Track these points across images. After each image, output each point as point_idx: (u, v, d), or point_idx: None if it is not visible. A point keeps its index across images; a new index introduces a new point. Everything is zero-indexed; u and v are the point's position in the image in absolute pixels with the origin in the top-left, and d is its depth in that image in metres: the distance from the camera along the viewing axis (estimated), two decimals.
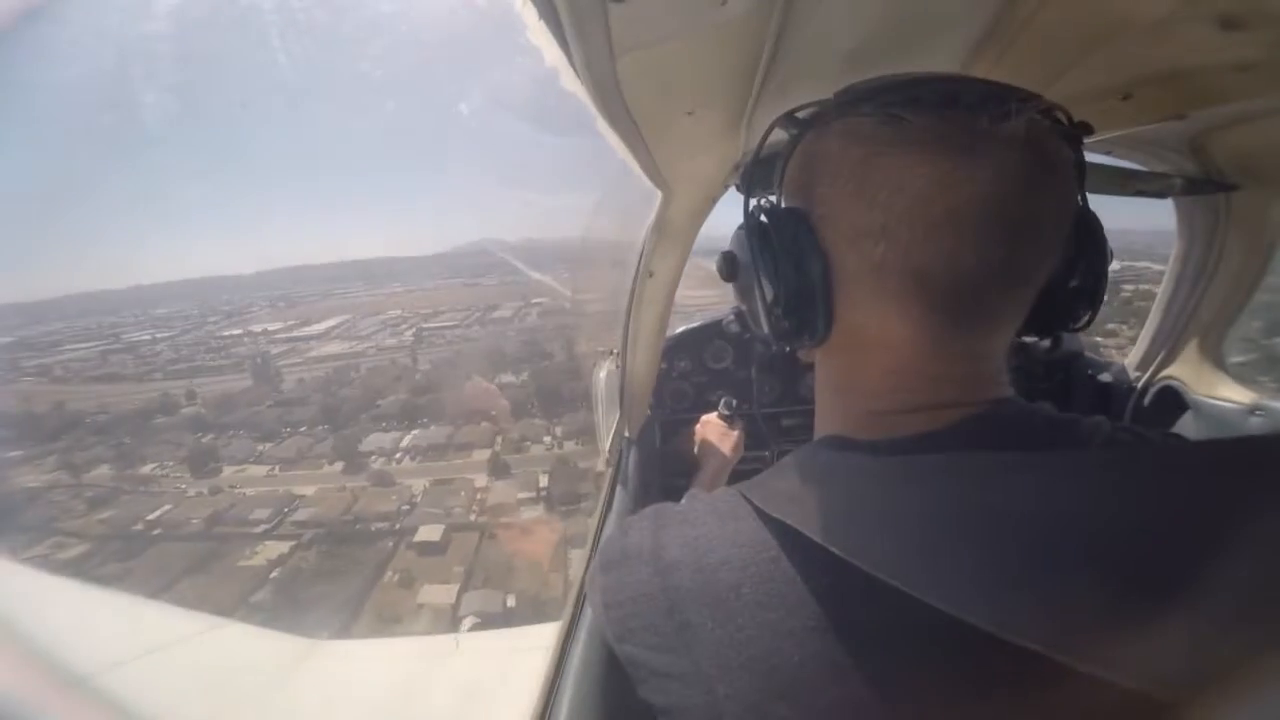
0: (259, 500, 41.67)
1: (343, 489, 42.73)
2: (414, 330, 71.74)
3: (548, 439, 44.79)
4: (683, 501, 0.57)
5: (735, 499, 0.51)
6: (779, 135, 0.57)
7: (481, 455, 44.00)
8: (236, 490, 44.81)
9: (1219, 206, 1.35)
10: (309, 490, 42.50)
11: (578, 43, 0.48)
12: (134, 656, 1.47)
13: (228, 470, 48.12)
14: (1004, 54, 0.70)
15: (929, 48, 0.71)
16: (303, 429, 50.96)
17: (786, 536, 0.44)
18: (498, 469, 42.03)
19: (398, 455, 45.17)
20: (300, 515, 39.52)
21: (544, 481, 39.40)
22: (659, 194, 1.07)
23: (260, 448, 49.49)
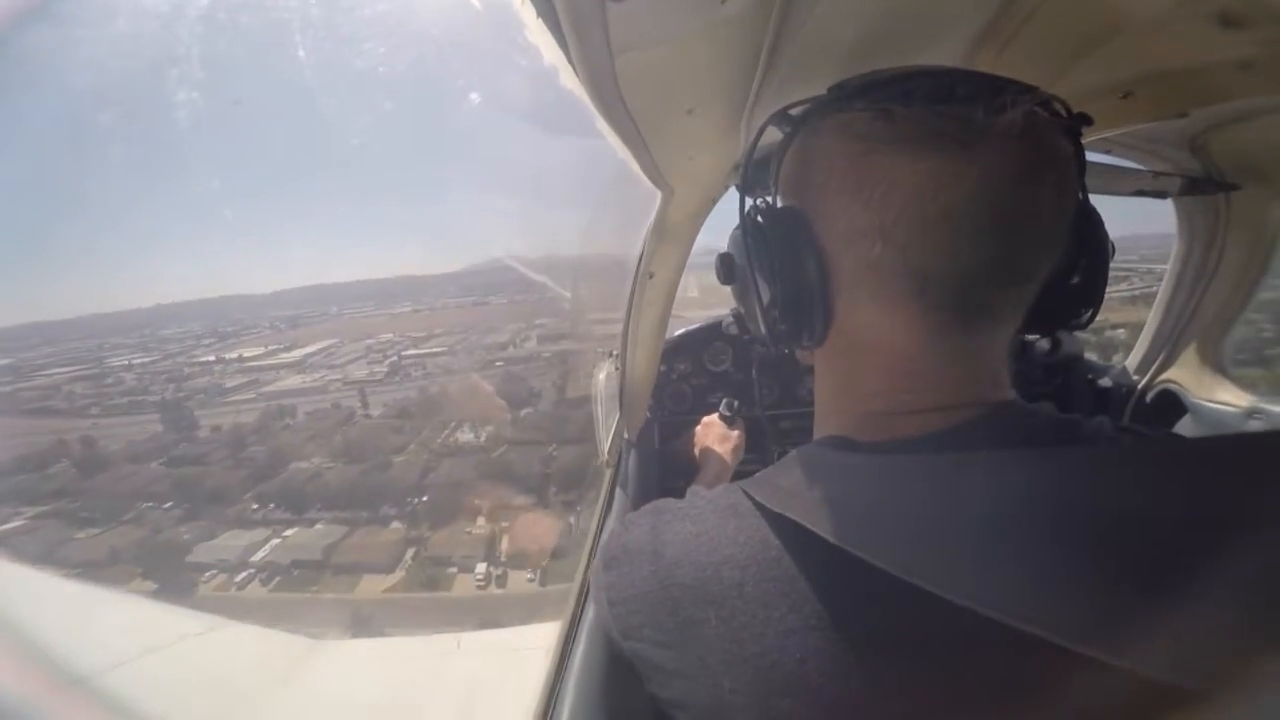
0: None
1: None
2: (393, 360, 63.20)
3: (483, 566, 25.35)
4: (684, 498, 0.57)
5: (737, 495, 0.50)
6: (774, 134, 0.56)
7: (372, 585, 26.19)
8: None
9: (1219, 206, 1.35)
10: None
11: (576, 42, 0.48)
12: (134, 656, 1.47)
13: None
14: (1003, 51, 0.70)
15: (929, 45, 0.71)
16: (167, 505, 37.61)
17: (789, 533, 0.44)
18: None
19: (241, 576, 28.79)
20: None
21: None
22: (659, 194, 1.07)
23: (78, 536, 35.63)
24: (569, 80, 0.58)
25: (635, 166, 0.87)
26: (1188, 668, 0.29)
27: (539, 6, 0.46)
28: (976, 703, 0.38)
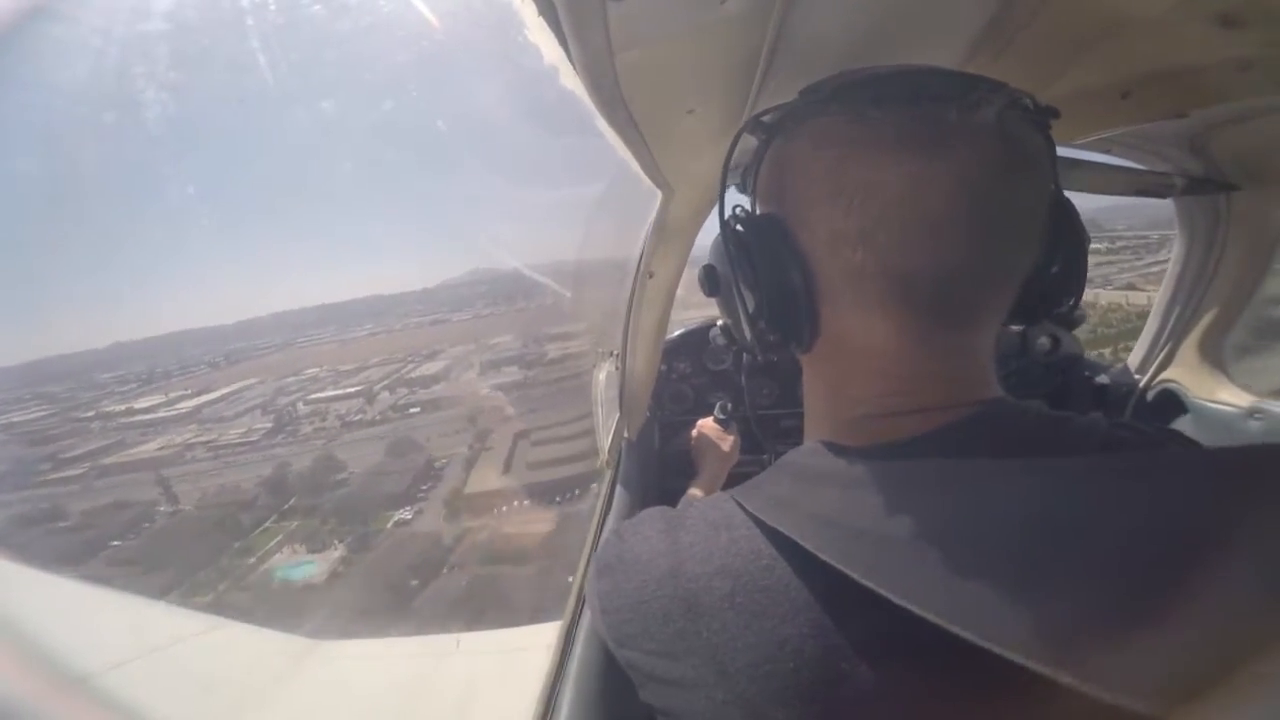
0: None
1: None
2: (289, 409, 51.43)
3: None
4: (678, 507, 0.57)
5: (729, 506, 0.50)
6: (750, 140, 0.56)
7: None
8: None
9: (1219, 206, 1.35)
10: None
11: (576, 41, 0.48)
12: (134, 656, 1.46)
13: None
14: (1003, 52, 0.70)
15: (928, 46, 0.71)
16: None
17: (780, 544, 0.44)
18: None
19: None
20: None
21: None
22: (659, 194, 1.07)
23: None
24: (569, 80, 0.58)
25: (635, 166, 0.88)
26: (1170, 692, 0.28)
27: (539, 5, 0.46)
28: (969, 714, 0.38)
